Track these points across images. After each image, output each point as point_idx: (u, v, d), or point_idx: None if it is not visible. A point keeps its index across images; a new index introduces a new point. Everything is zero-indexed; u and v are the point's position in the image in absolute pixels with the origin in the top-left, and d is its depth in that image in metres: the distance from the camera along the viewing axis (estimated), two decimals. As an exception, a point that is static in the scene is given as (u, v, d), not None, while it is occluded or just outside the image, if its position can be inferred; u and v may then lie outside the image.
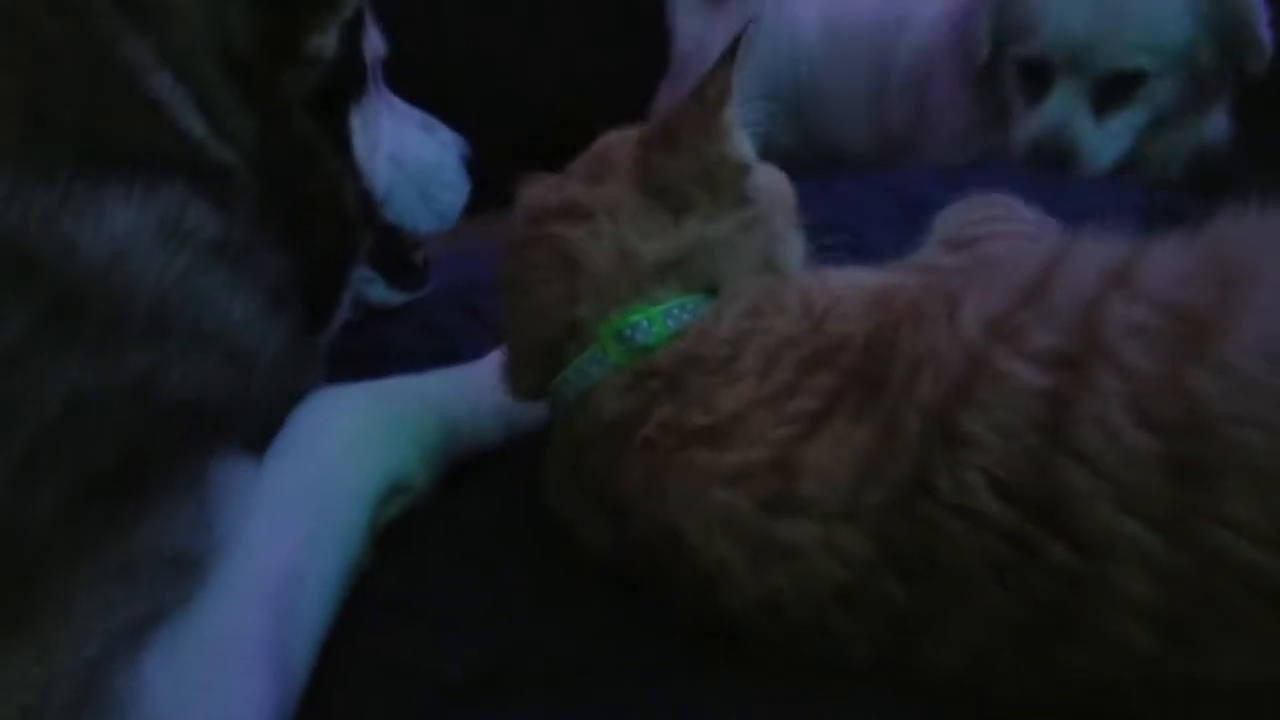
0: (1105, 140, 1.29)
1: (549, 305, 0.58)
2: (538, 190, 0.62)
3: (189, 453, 0.53)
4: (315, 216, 0.72)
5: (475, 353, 0.76)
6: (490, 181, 2.03)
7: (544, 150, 2.17)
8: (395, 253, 0.92)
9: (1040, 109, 1.30)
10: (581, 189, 0.60)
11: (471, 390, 0.69)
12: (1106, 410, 0.41)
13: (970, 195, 0.71)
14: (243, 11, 0.67)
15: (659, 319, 0.55)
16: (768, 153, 0.63)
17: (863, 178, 1.12)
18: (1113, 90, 1.28)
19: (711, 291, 0.57)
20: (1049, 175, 1.14)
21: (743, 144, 0.60)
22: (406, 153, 0.86)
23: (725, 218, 0.58)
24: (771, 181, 0.63)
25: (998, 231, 0.63)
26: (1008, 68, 1.36)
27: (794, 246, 0.62)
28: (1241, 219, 0.49)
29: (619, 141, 0.63)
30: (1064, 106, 1.29)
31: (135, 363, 0.53)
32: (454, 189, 0.92)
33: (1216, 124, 1.35)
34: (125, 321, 0.53)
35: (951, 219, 0.68)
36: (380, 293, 0.93)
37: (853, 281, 0.56)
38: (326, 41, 0.72)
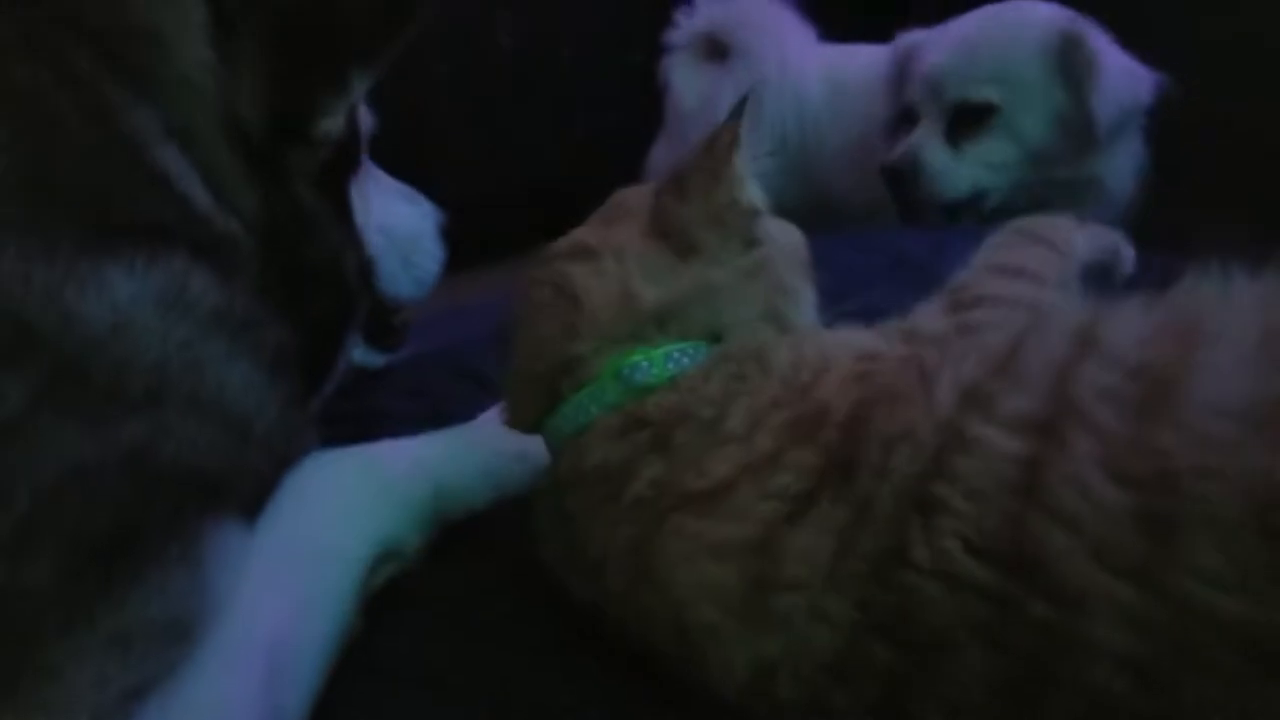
0: (958, 168, 1.36)
1: (549, 340, 0.59)
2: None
3: (184, 520, 0.54)
4: (316, 285, 0.74)
5: (465, 415, 0.78)
6: (482, 237, 2.05)
7: (533, 206, 2.21)
8: (376, 315, 0.93)
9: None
10: (591, 232, 0.62)
11: (462, 453, 0.70)
12: (1080, 470, 0.42)
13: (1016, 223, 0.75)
14: (254, 90, 0.69)
15: (660, 361, 0.56)
16: (771, 208, 0.65)
17: (854, 237, 1.14)
18: (966, 121, 1.35)
19: (715, 338, 0.58)
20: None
21: (752, 190, 0.62)
22: (391, 222, 0.88)
23: (730, 263, 0.59)
24: (782, 233, 0.64)
25: (1005, 296, 0.64)
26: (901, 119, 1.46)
27: (803, 300, 0.63)
28: (1204, 281, 0.51)
29: (634, 193, 0.65)
30: (920, 135, 1.38)
31: (132, 432, 0.53)
32: (432, 257, 0.94)
33: (1120, 167, 1.39)
34: (123, 392, 0.54)
35: (987, 252, 0.70)
36: (360, 354, 0.94)
37: (844, 346, 0.57)
38: (335, 123, 0.74)
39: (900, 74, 1.46)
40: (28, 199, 0.54)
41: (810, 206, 1.62)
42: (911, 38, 1.48)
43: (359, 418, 0.85)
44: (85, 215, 0.56)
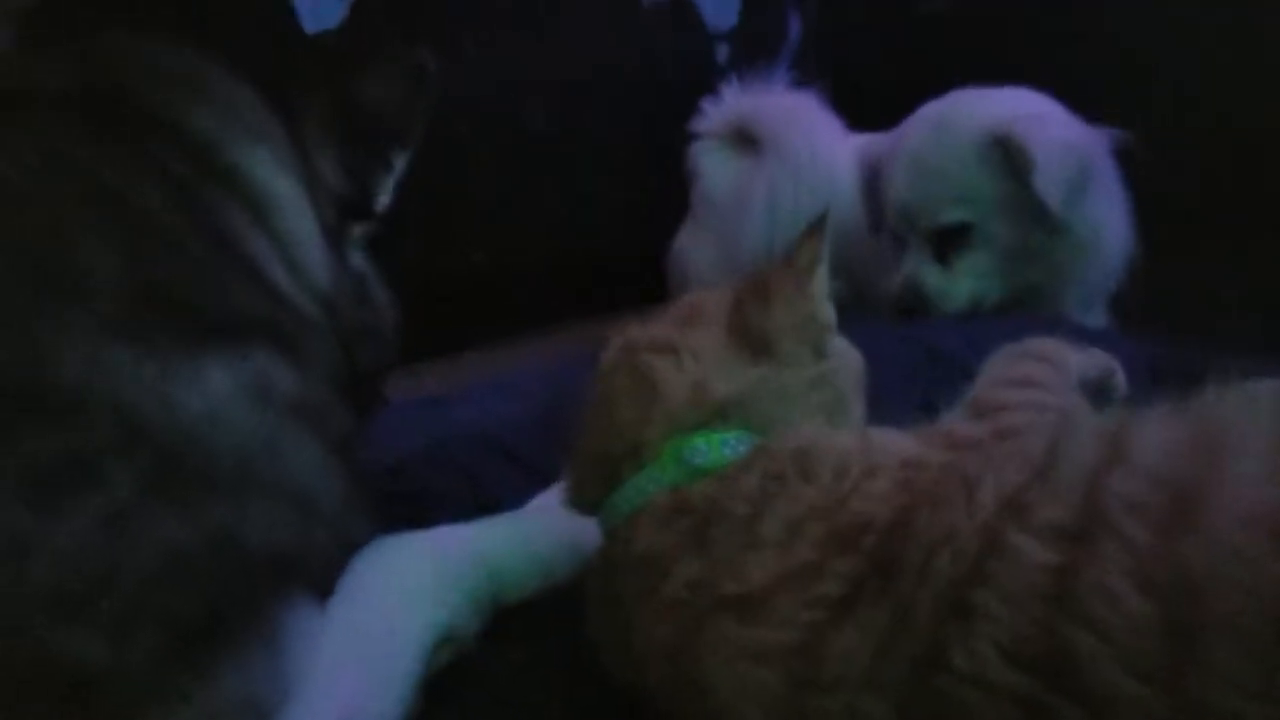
0: (953, 284, 1.41)
1: (622, 423, 0.64)
2: (630, 330, 0.69)
3: (265, 601, 0.57)
4: (365, 340, 0.82)
5: (513, 499, 0.81)
6: (515, 310, 2.10)
7: (562, 281, 2.27)
8: None
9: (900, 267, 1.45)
10: (673, 329, 0.67)
11: (517, 541, 0.73)
12: (1108, 579, 0.45)
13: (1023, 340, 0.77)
14: (324, 175, 0.81)
15: (717, 446, 0.60)
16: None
17: (889, 327, 1.18)
18: (949, 241, 1.41)
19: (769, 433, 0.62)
20: (1060, 333, 1.20)
21: (829, 308, 0.68)
22: None
23: (800, 370, 0.64)
24: (846, 352, 0.70)
25: (1025, 402, 0.68)
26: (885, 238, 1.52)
27: (856, 410, 0.68)
28: (1226, 392, 0.54)
29: (710, 295, 0.70)
30: (912, 261, 1.43)
31: (220, 517, 0.57)
32: None
33: (1101, 227, 1.41)
34: (214, 478, 0.58)
35: (995, 371, 0.73)
36: None
37: (888, 449, 0.59)
38: (388, 198, 0.86)
39: (869, 187, 1.53)
40: (141, 304, 0.59)
41: (841, 291, 1.66)
42: (873, 150, 1.54)
43: (412, 498, 0.89)
44: (188, 314, 0.61)
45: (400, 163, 0.87)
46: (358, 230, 0.85)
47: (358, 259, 0.85)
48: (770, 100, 1.79)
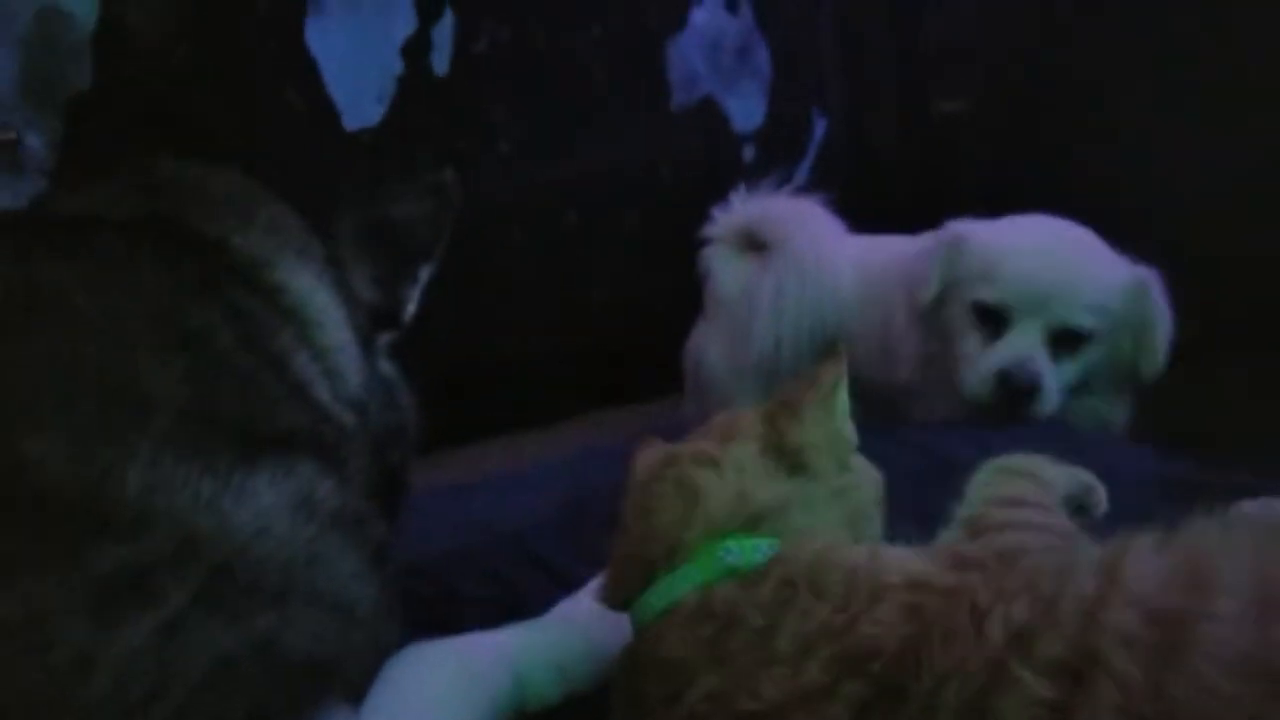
0: (1055, 384, 1.39)
1: (663, 526, 0.68)
2: (654, 449, 0.74)
3: (304, 705, 0.60)
4: (392, 442, 0.87)
5: (537, 604, 0.83)
6: (544, 399, 2.14)
7: (592, 369, 2.30)
8: None
9: (1000, 345, 1.41)
10: (712, 444, 0.71)
11: (541, 648, 0.75)
12: (1101, 716, 0.47)
13: (1005, 455, 0.79)
14: (359, 291, 0.87)
15: (750, 549, 0.64)
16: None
17: (898, 435, 1.20)
18: (1061, 342, 1.40)
19: None
20: (1063, 439, 1.22)
21: (850, 426, 0.73)
22: None
23: (829, 484, 0.69)
24: (866, 468, 0.75)
25: (1020, 521, 0.70)
26: (959, 309, 1.47)
27: (875, 524, 0.73)
28: (1209, 524, 0.57)
29: (743, 415, 0.74)
30: (1026, 343, 1.40)
31: (264, 624, 0.60)
32: None
33: (1118, 407, 1.48)
34: (260, 588, 0.60)
35: (981, 490, 0.75)
36: None
37: (897, 567, 0.62)
38: (413, 308, 0.93)
39: (947, 259, 1.49)
40: (198, 422, 0.63)
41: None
42: (963, 227, 1.52)
43: (438, 602, 0.91)
44: (240, 433, 0.65)
45: (425, 275, 0.93)
46: (385, 338, 0.91)
47: (385, 365, 0.91)
48: (776, 205, 1.84)
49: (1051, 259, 1.41)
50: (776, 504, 0.67)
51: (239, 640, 0.58)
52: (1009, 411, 1.37)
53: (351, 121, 1.87)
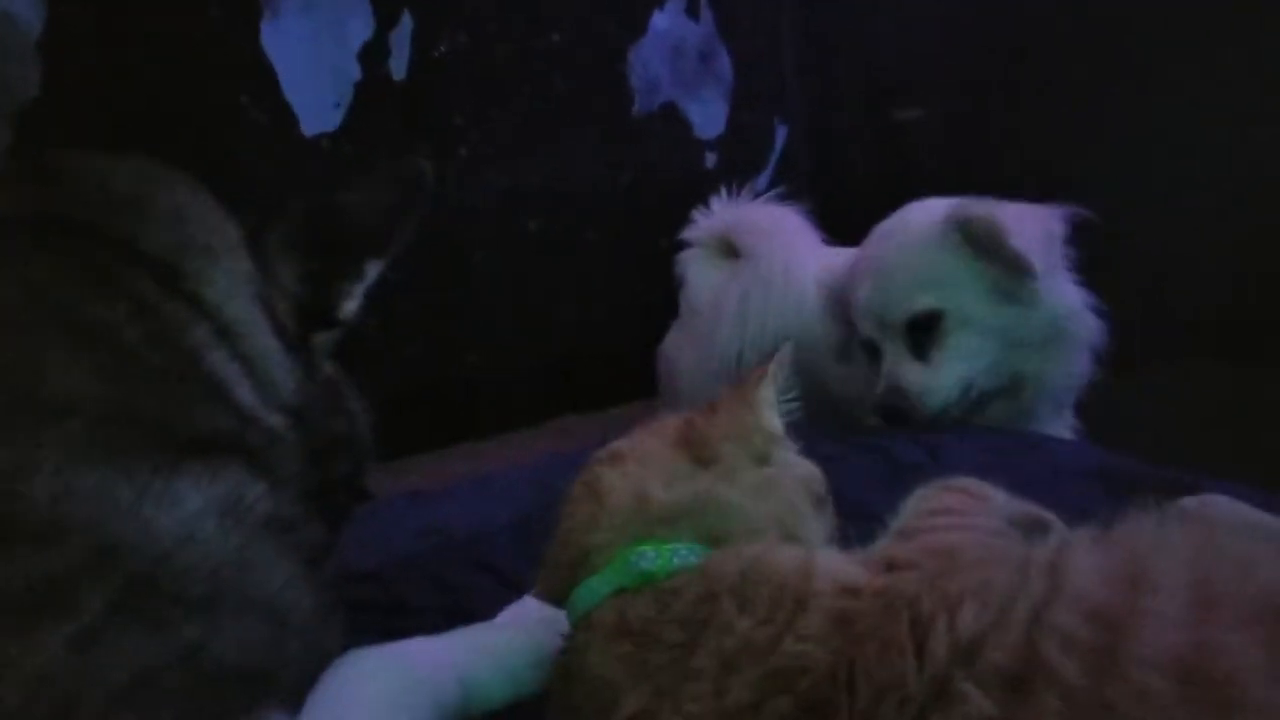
0: (935, 378, 1.39)
1: (575, 531, 0.67)
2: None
3: (235, 715, 0.58)
4: (338, 450, 0.81)
5: (486, 609, 0.82)
6: (506, 407, 2.12)
7: (555, 378, 2.29)
8: None
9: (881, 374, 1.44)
10: (627, 440, 0.70)
11: (487, 654, 0.73)
12: None
13: (942, 479, 0.77)
14: (284, 285, 0.78)
15: (666, 554, 0.62)
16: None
17: (846, 436, 1.20)
18: (922, 334, 1.40)
19: (719, 544, 0.63)
20: (1015, 441, 1.23)
21: (775, 419, 0.70)
22: None
23: (742, 478, 0.66)
24: (799, 464, 0.71)
25: (946, 525, 0.68)
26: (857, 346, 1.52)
27: (811, 526, 0.68)
28: (1145, 522, 0.56)
29: (675, 416, 0.73)
30: (890, 364, 1.42)
31: (190, 634, 0.58)
32: None
33: (1071, 307, 1.41)
34: (185, 596, 0.59)
35: (914, 504, 0.72)
36: None
37: (828, 573, 0.59)
38: (354, 305, 0.83)
39: (834, 308, 1.55)
40: (111, 427, 0.61)
41: (811, 400, 1.68)
42: (833, 272, 1.57)
43: (384, 608, 0.90)
44: (158, 435, 0.63)
45: (374, 271, 0.84)
46: (324, 338, 0.82)
47: (328, 367, 0.83)
48: (752, 212, 1.85)
49: (872, 272, 1.44)
50: (682, 503, 0.64)
51: (163, 650, 0.57)
52: (908, 421, 1.37)
53: (310, 127, 1.86)
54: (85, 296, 0.67)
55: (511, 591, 0.86)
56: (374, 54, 1.88)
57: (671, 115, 2.23)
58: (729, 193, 1.87)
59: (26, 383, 0.60)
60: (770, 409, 0.70)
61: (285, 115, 1.82)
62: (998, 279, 1.36)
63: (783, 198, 1.85)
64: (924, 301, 1.38)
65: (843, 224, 2.27)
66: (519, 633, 0.76)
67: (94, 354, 0.64)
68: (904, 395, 1.38)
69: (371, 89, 1.88)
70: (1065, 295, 1.40)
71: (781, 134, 2.37)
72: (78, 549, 0.56)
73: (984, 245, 1.35)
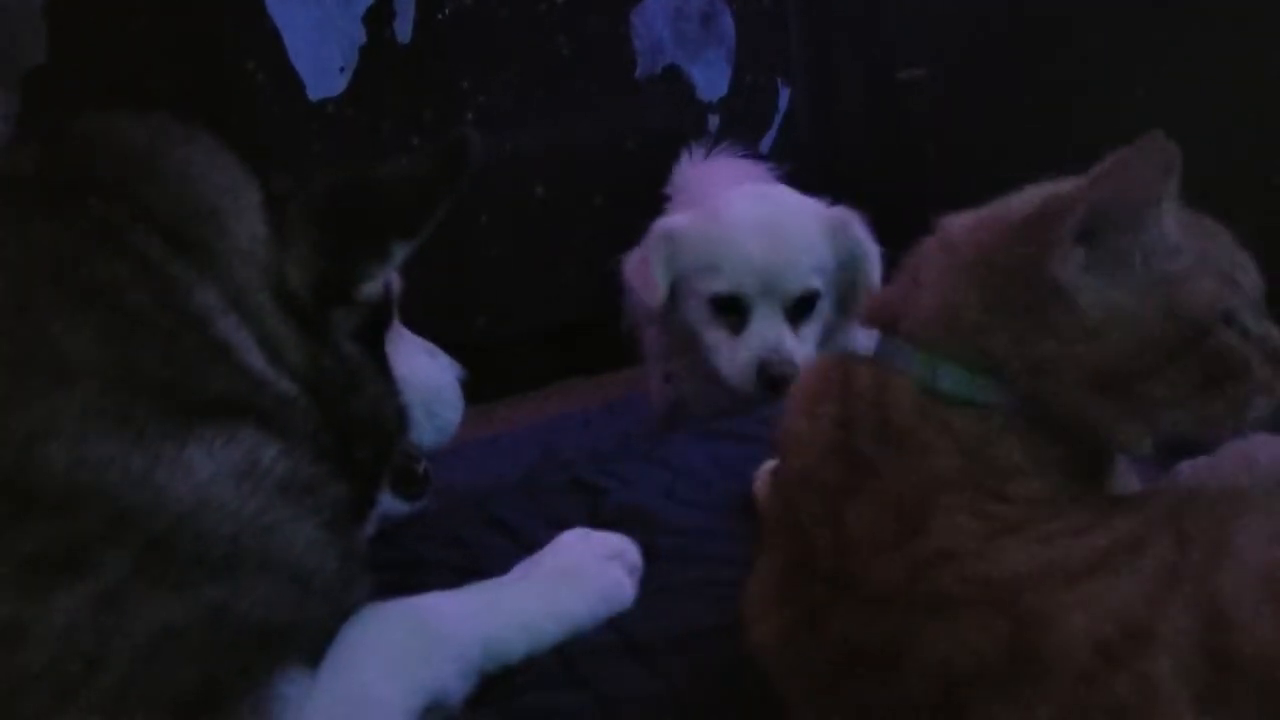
0: (805, 352, 1.44)
1: None
2: None
3: (257, 671, 0.60)
4: (360, 432, 0.80)
5: (499, 565, 0.84)
6: (513, 372, 2.14)
7: (561, 343, 2.29)
8: (399, 465, 0.96)
9: (748, 335, 1.43)
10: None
11: (504, 609, 0.75)
12: None
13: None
14: (303, 260, 0.77)
15: None
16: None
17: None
18: (798, 309, 1.45)
19: None
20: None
21: None
22: (414, 375, 0.94)
23: None
24: None
25: None
26: (695, 302, 1.48)
27: None
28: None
29: None
30: (771, 325, 1.43)
31: (212, 593, 0.60)
32: (453, 407, 1.00)
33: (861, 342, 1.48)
34: (205, 558, 0.60)
35: None
36: (386, 503, 0.96)
37: None
38: (376, 287, 0.82)
39: (668, 258, 1.48)
40: (121, 392, 0.62)
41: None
42: (672, 222, 1.53)
43: (401, 566, 0.92)
44: (169, 402, 0.63)
45: (401, 252, 0.82)
46: (343, 315, 0.80)
47: (349, 347, 0.80)
48: (704, 167, 1.88)
49: (769, 236, 1.44)
50: None
51: (187, 610, 0.58)
52: (773, 395, 1.37)
53: (316, 92, 1.86)
54: (91, 257, 0.67)
55: (522, 548, 0.88)
56: (379, 17, 1.87)
57: (674, 78, 2.22)
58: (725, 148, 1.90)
59: (34, 346, 0.61)
60: None
61: (291, 80, 1.82)
62: (840, 287, 1.49)
63: (767, 155, 1.90)
64: (815, 282, 1.45)
65: (847, 182, 2.27)
66: (533, 587, 0.78)
67: (100, 316, 0.65)
68: (790, 360, 1.41)
69: (376, 53, 1.88)
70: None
71: (785, 95, 2.36)
72: (94, 516, 0.57)
73: (847, 255, 1.47)
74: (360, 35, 1.87)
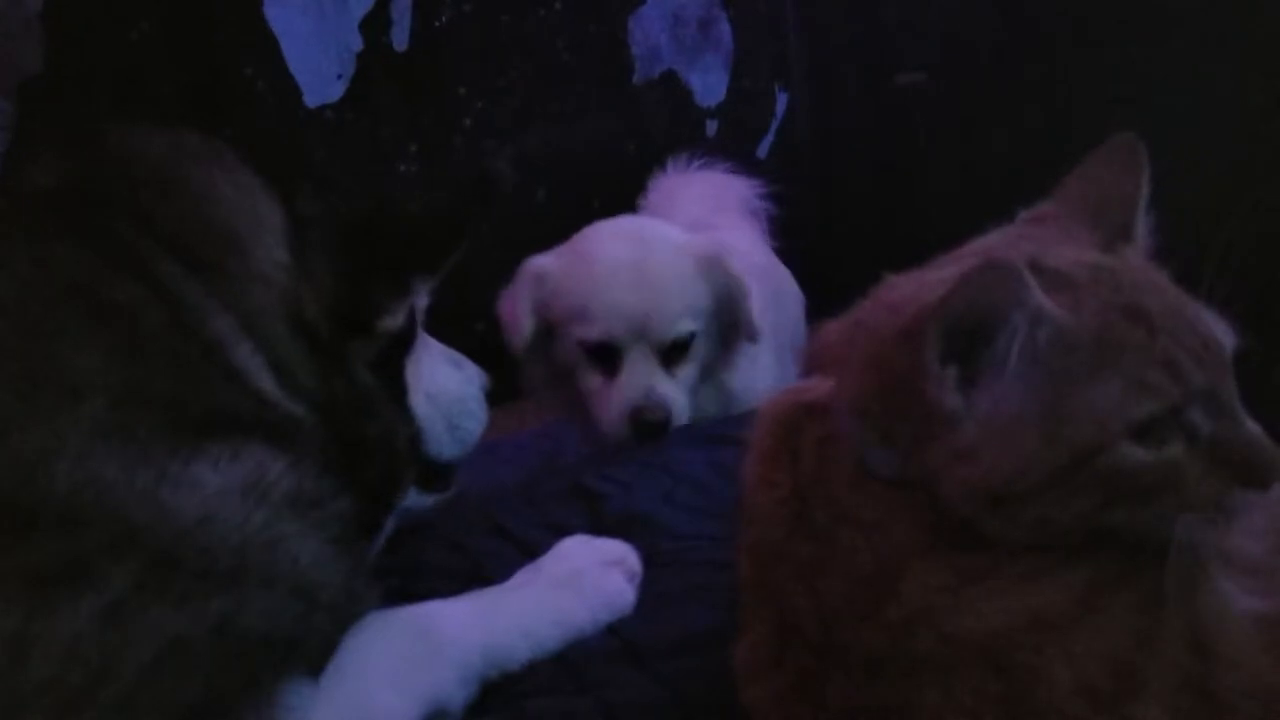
0: (680, 395, 1.39)
1: None
2: None
3: (262, 683, 0.60)
4: (371, 460, 0.79)
5: (501, 571, 0.85)
6: (499, 378, 2.14)
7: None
8: (425, 462, 0.97)
9: (620, 382, 1.39)
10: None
11: (506, 616, 0.76)
12: None
13: None
14: (323, 289, 0.76)
15: None
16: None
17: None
18: (674, 351, 1.39)
19: None
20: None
21: None
22: (439, 389, 0.94)
23: None
24: None
25: None
26: (568, 345, 1.42)
27: None
28: None
29: None
30: (644, 371, 1.38)
31: (218, 606, 0.60)
32: (476, 419, 1.00)
33: (745, 374, 1.48)
34: (211, 572, 0.61)
35: None
36: (411, 498, 0.95)
37: None
38: (396, 320, 0.81)
39: (536, 299, 1.42)
40: (128, 410, 0.62)
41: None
42: (539, 263, 1.46)
43: (403, 571, 0.92)
44: (176, 419, 0.64)
45: (422, 288, 0.81)
46: (361, 346, 0.79)
47: (365, 377, 0.79)
48: (680, 180, 1.87)
49: (639, 281, 1.37)
50: None
51: (192, 622, 0.58)
52: (648, 440, 1.34)
53: (313, 99, 1.86)
54: (105, 278, 0.67)
55: (523, 554, 0.88)
56: (376, 24, 1.88)
57: (672, 83, 2.23)
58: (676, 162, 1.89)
59: (42, 364, 0.61)
60: None
61: (289, 87, 1.82)
62: (719, 323, 1.43)
63: (764, 160, 1.90)
64: (688, 325, 1.39)
65: (844, 188, 2.28)
66: (534, 594, 0.78)
67: (111, 336, 0.65)
68: (665, 406, 1.37)
69: (374, 60, 1.88)
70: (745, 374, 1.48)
71: (782, 101, 2.37)
72: (99, 532, 0.57)
73: (722, 291, 1.41)
74: (358, 42, 1.88)
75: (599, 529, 0.93)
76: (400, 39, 1.92)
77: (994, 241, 0.62)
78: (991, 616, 0.52)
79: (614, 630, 0.79)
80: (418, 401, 0.90)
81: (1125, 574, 0.52)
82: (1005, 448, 0.52)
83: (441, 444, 0.96)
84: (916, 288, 0.58)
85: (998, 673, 0.51)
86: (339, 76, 1.87)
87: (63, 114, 1.61)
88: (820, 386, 0.63)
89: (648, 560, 0.87)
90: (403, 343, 0.85)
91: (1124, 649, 0.50)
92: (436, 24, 1.95)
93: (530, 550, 0.88)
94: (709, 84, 2.27)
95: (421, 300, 0.92)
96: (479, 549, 0.96)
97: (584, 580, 0.81)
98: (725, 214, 1.79)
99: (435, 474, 0.99)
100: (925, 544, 0.54)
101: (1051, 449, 0.51)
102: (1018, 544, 0.53)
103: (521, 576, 0.82)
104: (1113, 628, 0.51)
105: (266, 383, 0.72)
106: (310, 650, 0.66)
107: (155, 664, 0.56)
